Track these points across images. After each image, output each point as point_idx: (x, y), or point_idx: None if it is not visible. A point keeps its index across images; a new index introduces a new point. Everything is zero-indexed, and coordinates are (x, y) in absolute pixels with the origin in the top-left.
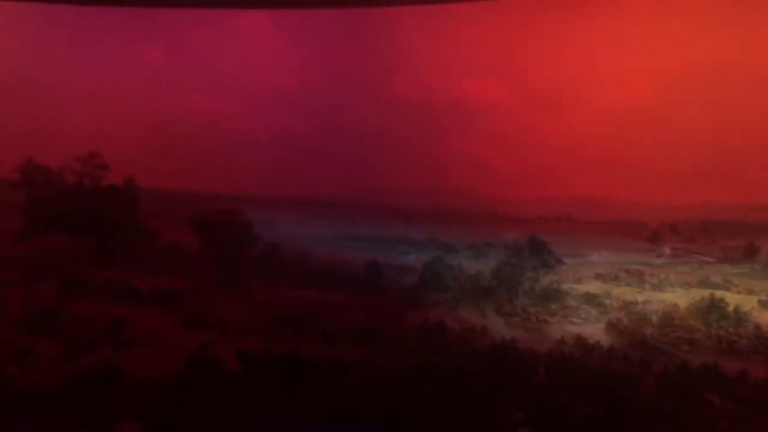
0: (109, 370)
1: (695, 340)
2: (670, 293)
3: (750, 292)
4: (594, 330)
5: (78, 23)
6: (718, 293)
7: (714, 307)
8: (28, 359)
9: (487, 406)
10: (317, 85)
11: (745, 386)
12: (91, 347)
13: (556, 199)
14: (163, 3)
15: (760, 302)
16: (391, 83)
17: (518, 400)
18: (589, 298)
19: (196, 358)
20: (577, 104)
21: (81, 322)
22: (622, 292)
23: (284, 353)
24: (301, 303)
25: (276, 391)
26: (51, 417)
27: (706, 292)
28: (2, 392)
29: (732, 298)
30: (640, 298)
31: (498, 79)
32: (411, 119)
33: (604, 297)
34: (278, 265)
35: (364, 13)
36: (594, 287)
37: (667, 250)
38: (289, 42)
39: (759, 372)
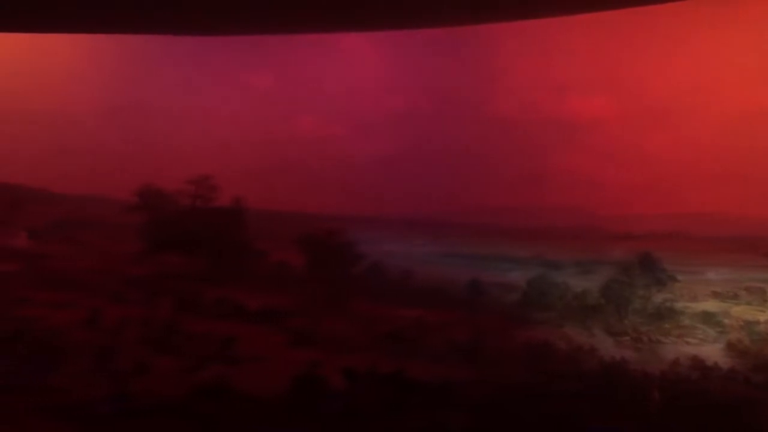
0: (220, 385)
1: None
2: None
3: None
4: (712, 351)
5: (191, 52)
6: None
7: None
8: (147, 374)
9: (596, 429)
10: (420, 105)
11: None
12: (205, 363)
13: (668, 214)
14: (270, 30)
15: None
16: (493, 101)
17: (630, 424)
18: (706, 317)
19: (302, 375)
20: (689, 116)
21: (195, 339)
22: (742, 310)
23: (390, 372)
24: (405, 321)
25: (382, 409)
26: (168, 429)
27: None
28: (124, 405)
29: None
30: (762, 317)
31: (603, 94)
32: (514, 136)
33: (722, 316)
34: (382, 284)
35: (465, 31)
36: (711, 306)
37: None
38: (393, 63)
39: None
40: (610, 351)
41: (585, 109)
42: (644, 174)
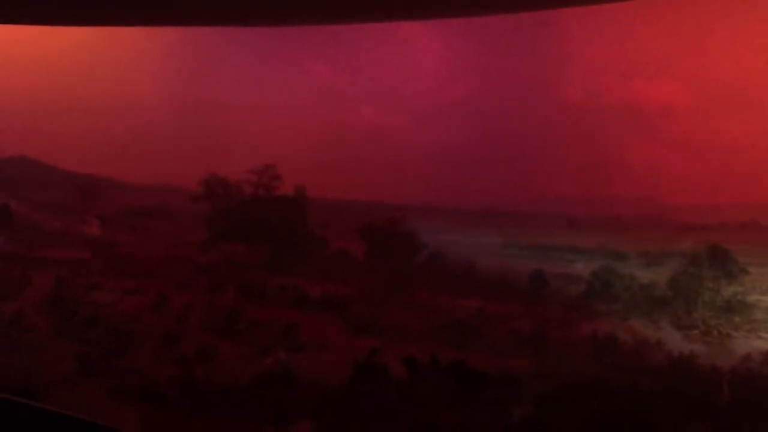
0: (284, 372)
1: None
2: None
3: None
4: None
5: (253, 44)
6: None
7: None
8: (212, 360)
9: (663, 425)
10: (482, 93)
11: None
12: (268, 350)
13: (741, 204)
14: (331, 20)
15: None
16: (557, 88)
17: (698, 420)
18: None
19: (363, 363)
20: (764, 101)
21: (258, 326)
22: None
23: (451, 362)
24: (465, 312)
25: (444, 399)
26: (233, 415)
27: None
28: (189, 391)
29: None
30: None
31: (672, 79)
32: (578, 124)
33: None
34: (443, 274)
35: (527, 17)
36: None
37: None
38: (453, 51)
39: None
40: (678, 345)
41: (653, 95)
42: (716, 162)
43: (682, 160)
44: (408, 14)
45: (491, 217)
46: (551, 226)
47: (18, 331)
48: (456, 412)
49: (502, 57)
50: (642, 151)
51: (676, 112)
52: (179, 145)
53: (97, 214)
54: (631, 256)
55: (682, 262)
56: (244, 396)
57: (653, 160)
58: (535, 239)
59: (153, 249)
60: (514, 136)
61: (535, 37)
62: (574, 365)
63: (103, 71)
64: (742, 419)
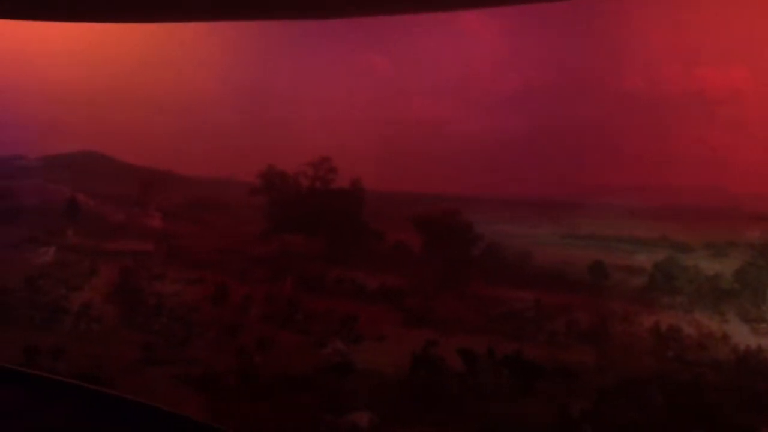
0: (341, 363)
1: None
2: None
3: None
4: None
5: (309, 36)
6: None
7: None
8: (271, 350)
9: (729, 421)
10: (539, 83)
11: None
12: (326, 340)
13: None
14: (386, 10)
15: None
16: (617, 75)
17: (766, 416)
18: None
19: (420, 355)
20: None
21: (316, 317)
22: None
23: (507, 354)
24: (522, 304)
25: (501, 391)
26: (291, 404)
27: None
28: (248, 380)
29: None
30: None
31: (738, 65)
32: (640, 113)
33: None
34: (499, 266)
35: (586, 3)
36: None
37: None
38: (510, 40)
39: None
40: (745, 338)
41: (718, 82)
42: None
43: (749, 147)
44: (467, 3)
45: (549, 208)
46: (611, 217)
47: (86, 320)
48: (513, 404)
49: (559, 45)
50: (707, 139)
51: (743, 99)
52: (238, 137)
53: (159, 206)
54: (696, 247)
55: (751, 253)
56: (302, 386)
57: (719, 149)
58: (595, 230)
59: (213, 240)
60: (573, 126)
61: (594, 23)
62: (636, 359)
63: (164, 66)
64: None
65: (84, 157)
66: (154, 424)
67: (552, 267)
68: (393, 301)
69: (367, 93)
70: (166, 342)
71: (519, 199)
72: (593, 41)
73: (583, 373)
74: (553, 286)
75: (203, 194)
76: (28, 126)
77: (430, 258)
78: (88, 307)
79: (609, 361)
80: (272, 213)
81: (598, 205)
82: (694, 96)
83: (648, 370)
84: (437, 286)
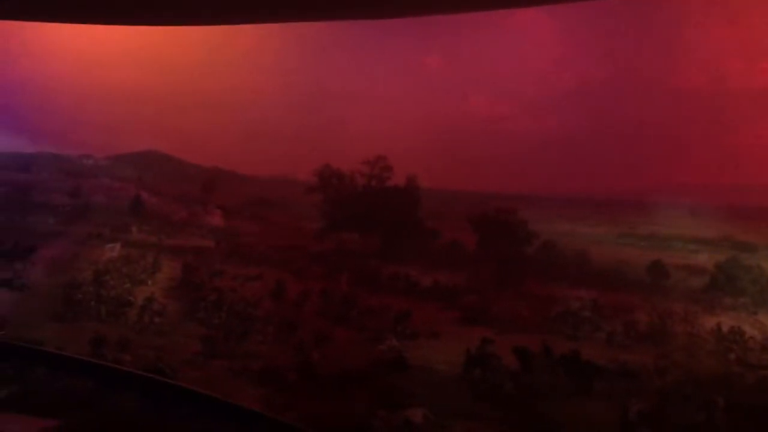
0: (396, 359)
1: None
2: None
3: None
4: None
5: (364, 37)
6: None
7: None
8: (327, 346)
9: None
10: (596, 80)
11: None
12: (381, 336)
13: None
14: (442, 10)
15: None
16: (678, 72)
17: None
18: None
19: (474, 353)
20: None
21: (371, 313)
22: None
23: (564, 354)
24: (579, 303)
25: (557, 391)
26: (347, 399)
27: None
28: (306, 375)
29: None
30: None
31: None
32: (701, 110)
33: None
34: (555, 264)
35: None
36: None
37: None
38: (567, 37)
39: None
40: None
41: None
42: None
43: None
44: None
45: (606, 206)
46: (672, 216)
47: (150, 314)
48: (569, 404)
49: (618, 41)
50: None
51: None
52: (294, 137)
53: (219, 204)
54: (760, 247)
55: None
56: (357, 381)
57: None
58: (654, 229)
59: (271, 238)
60: (631, 123)
61: (652, 20)
62: (697, 360)
63: (223, 68)
64: None
65: (148, 157)
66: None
67: (609, 266)
68: (448, 299)
69: (423, 92)
70: (225, 336)
71: (575, 197)
72: (652, 38)
73: (643, 374)
74: (611, 285)
75: (262, 192)
76: (96, 127)
77: (485, 256)
78: (152, 301)
79: (669, 363)
80: (328, 211)
81: (658, 203)
82: (759, 92)
83: (709, 372)
84: (492, 284)
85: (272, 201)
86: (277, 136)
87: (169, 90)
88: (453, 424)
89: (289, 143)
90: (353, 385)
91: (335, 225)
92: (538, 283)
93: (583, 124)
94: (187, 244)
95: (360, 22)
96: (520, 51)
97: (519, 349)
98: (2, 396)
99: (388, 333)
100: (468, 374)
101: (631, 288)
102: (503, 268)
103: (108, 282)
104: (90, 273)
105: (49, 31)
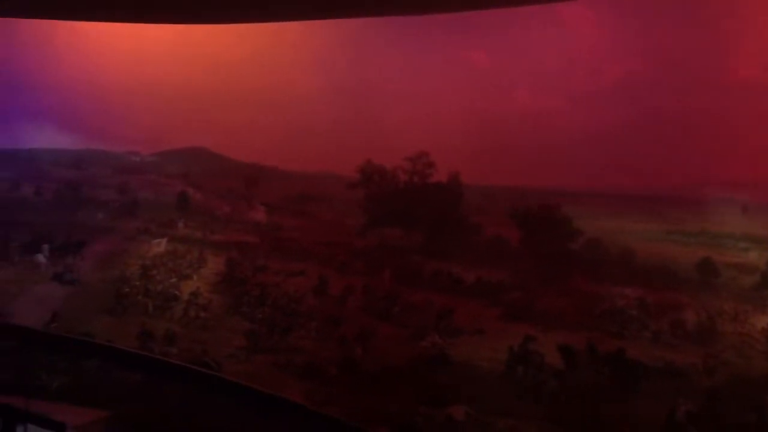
0: (439, 355)
1: None
2: None
3: None
4: None
5: (407, 32)
6: None
7: None
8: (370, 341)
9: None
10: (643, 72)
11: None
12: (423, 333)
13: None
14: (486, 5)
15: None
16: (728, 64)
17: None
18: None
19: (518, 350)
20: None
21: (414, 309)
22: None
23: (609, 352)
24: (625, 301)
25: (602, 390)
26: (389, 394)
27: None
28: (349, 370)
29: None
30: None
31: None
32: (751, 103)
33: None
34: (600, 261)
35: None
36: None
37: None
38: (616, 30)
39: None
40: None
41: None
42: None
43: None
44: None
45: (653, 202)
46: (722, 213)
47: (195, 308)
48: (615, 403)
49: (666, 33)
50: None
51: None
52: (337, 133)
53: (262, 200)
54: None
55: None
56: (400, 376)
57: None
58: (704, 226)
59: (314, 233)
60: (680, 117)
61: (707, 12)
62: (747, 360)
63: (267, 65)
64: None
65: (193, 153)
66: (259, 407)
67: (657, 264)
68: (491, 295)
69: (466, 87)
70: (268, 331)
71: (621, 193)
72: (700, 30)
73: (691, 373)
74: (659, 283)
75: (305, 188)
76: (143, 124)
77: (529, 252)
78: (197, 295)
79: (718, 362)
80: (370, 207)
81: (707, 200)
82: None
83: (760, 372)
84: (536, 281)
85: (315, 197)
86: (320, 132)
87: (215, 87)
88: (495, 421)
89: (332, 139)
90: (395, 381)
91: (377, 221)
92: (582, 280)
93: (630, 118)
94: (231, 240)
95: (402, 19)
96: (564, 45)
97: (563, 346)
98: (55, 387)
99: (431, 329)
100: (511, 371)
101: (679, 286)
102: (547, 265)
103: (155, 277)
104: (137, 268)
105: (97, 30)
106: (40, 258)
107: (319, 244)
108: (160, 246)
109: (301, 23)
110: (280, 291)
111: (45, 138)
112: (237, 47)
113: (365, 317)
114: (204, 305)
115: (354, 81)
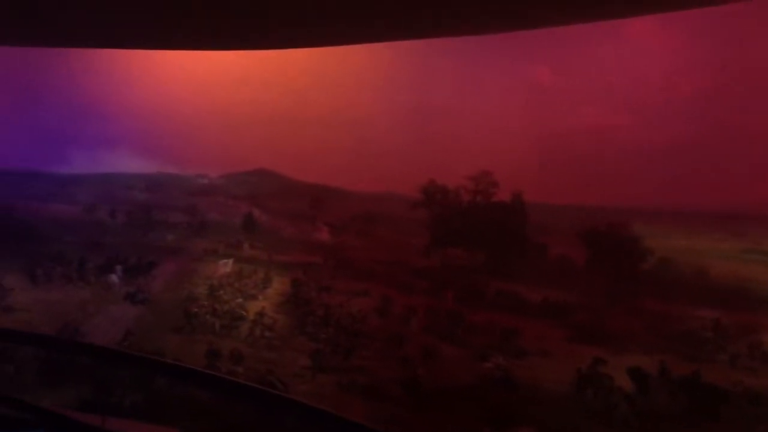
0: (504, 377)
1: None
2: None
3: None
4: None
5: (468, 51)
6: None
7: None
8: (433, 362)
9: None
10: (714, 87)
11: None
12: (487, 354)
13: None
14: (550, 23)
15: None
16: None
17: None
18: None
19: (586, 373)
20: None
21: (478, 330)
22: None
23: (683, 375)
24: (699, 322)
25: (676, 415)
26: (453, 415)
27: None
28: (412, 390)
29: None
30: None
31: None
32: None
33: None
34: (672, 281)
35: (764, 2)
36: None
37: None
38: (684, 44)
39: None
40: None
41: None
42: None
43: None
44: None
45: (728, 220)
46: None
47: (261, 328)
48: (690, 429)
49: (737, 47)
50: None
51: None
52: (400, 153)
53: (326, 221)
54: None
55: None
56: (464, 398)
57: None
58: None
59: (377, 253)
60: (754, 132)
61: None
62: None
63: (332, 88)
64: None
65: (259, 175)
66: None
67: (733, 283)
68: (557, 316)
69: (529, 104)
70: (333, 351)
71: (694, 211)
72: None
73: None
74: (735, 304)
75: (368, 208)
76: (211, 147)
77: (596, 272)
78: (262, 315)
79: None
80: (433, 226)
81: None
82: None
83: None
84: (605, 302)
85: (378, 217)
86: (383, 153)
87: (280, 110)
88: None
89: (394, 159)
90: (460, 402)
91: (440, 241)
92: (654, 300)
93: (700, 134)
94: (295, 260)
95: (464, 38)
96: (631, 61)
97: (634, 369)
98: (127, 404)
99: (495, 350)
100: (579, 394)
101: (757, 307)
102: (616, 285)
103: (222, 296)
104: (205, 287)
105: (167, 57)
106: (114, 278)
107: (382, 264)
108: (226, 266)
109: (366, 46)
110: (344, 311)
111: (119, 162)
112: (304, 70)
113: (428, 337)
114: (269, 325)
115: (417, 101)
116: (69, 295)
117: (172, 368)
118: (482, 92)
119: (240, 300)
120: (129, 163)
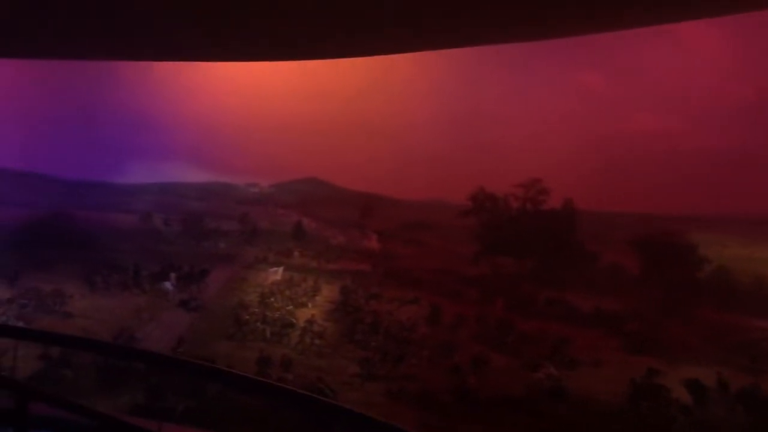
0: (555, 387)
1: None
2: None
3: None
4: None
5: (519, 58)
6: None
7: None
8: (484, 370)
9: None
10: None
11: None
12: (538, 363)
13: None
14: (603, 28)
15: None
16: None
17: None
18: None
19: (641, 384)
20: None
21: (528, 339)
22: None
23: (743, 388)
24: (759, 333)
25: (736, 429)
26: (504, 425)
27: None
28: (462, 399)
29: None
30: None
31: None
32: None
33: None
34: (730, 291)
35: None
36: None
37: None
38: (740, 48)
39: None
40: None
41: None
42: None
43: None
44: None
45: None
46: None
47: (310, 335)
48: None
49: None
50: None
51: None
52: (448, 161)
53: (375, 229)
54: None
55: None
56: (515, 408)
57: None
58: None
59: (426, 261)
60: None
61: None
62: None
63: (381, 96)
64: None
65: (308, 184)
66: None
67: None
68: (610, 326)
69: (580, 110)
70: (382, 358)
71: (753, 218)
72: None
73: None
74: None
75: (416, 216)
76: (262, 156)
77: (650, 281)
78: (312, 323)
79: None
80: (483, 234)
81: None
82: None
83: None
84: (659, 312)
85: (427, 225)
86: (432, 161)
87: (330, 119)
88: None
89: (443, 167)
90: (511, 412)
91: (490, 249)
92: (710, 311)
93: (758, 140)
94: (345, 268)
95: (515, 45)
96: (686, 65)
97: (691, 381)
98: (181, 409)
99: (546, 360)
100: (633, 406)
101: None
102: (671, 295)
103: (272, 304)
104: (256, 295)
105: (218, 69)
106: (168, 286)
107: (431, 272)
108: (277, 274)
109: (414, 54)
110: (393, 319)
111: (174, 173)
112: (352, 79)
113: (478, 346)
114: (319, 332)
115: (466, 109)
116: (125, 302)
117: (225, 375)
118: (531, 99)
119: (290, 307)
120: (183, 173)
